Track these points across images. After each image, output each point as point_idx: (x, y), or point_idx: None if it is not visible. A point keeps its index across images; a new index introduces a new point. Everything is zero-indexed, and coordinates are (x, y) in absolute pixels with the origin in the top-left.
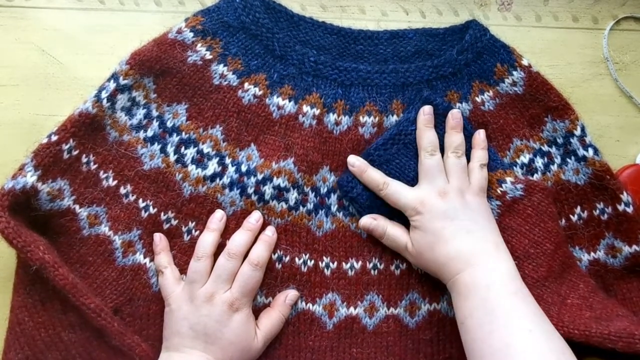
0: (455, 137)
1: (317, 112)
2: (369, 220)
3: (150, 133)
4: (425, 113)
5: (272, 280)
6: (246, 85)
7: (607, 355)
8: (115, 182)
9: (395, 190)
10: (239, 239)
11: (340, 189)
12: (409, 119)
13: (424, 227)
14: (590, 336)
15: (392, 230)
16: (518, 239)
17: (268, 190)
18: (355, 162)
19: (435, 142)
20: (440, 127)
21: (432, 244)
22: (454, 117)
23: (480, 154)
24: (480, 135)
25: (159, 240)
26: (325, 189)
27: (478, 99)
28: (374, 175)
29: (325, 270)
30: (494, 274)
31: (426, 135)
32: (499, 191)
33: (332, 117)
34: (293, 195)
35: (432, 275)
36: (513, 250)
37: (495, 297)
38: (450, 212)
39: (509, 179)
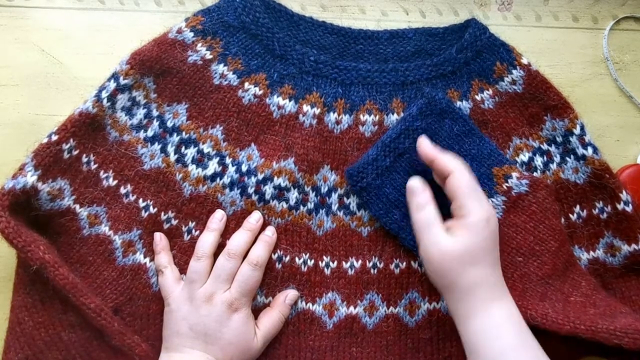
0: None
1: (317, 111)
2: (419, 185)
3: (150, 133)
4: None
5: (272, 280)
6: (246, 85)
7: (608, 353)
8: (116, 181)
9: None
10: (238, 239)
11: (350, 178)
12: (411, 114)
13: (481, 234)
14: (597, 332)
15: (432, 212)
16: (523, 235)
17: (268, 190)
18: (428, 148)
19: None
20: (441, 125)
21: (474, 258)
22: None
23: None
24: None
25: (159, 239)
26: (326, 188)
27: (478, 97)
28: (419, 190)
29: (325, 269)
30: (516, 313)
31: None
32: (504, 186)
33: (333, 116)
34: (293, 195)
35: (439, 287)
36: (518, 247)
37: (525, 338)
38: (495, 239)
39: (514, 174)
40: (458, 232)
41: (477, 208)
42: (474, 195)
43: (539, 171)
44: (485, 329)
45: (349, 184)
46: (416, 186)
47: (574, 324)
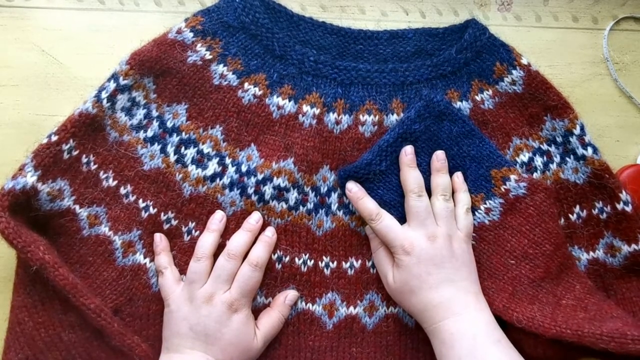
0: (441, 179)
1: (317, 111)
2: (368, 231)
3: (150, 133)
4: (407, 153)
5: (271, 280)
6: (246, 85)
7: (603, 356)
8: (116, 182)
9: (387, 224)
10: (238, 240)
11: (341, 179)
12: (409, 117)
13: (409, 269)
14: (583, 336)
15: (382, 254)
16: (518, 238)
17: (268, 190)
18: (353, 188)
19: (422, 183)
20: (440, 127)
21: (414, 288)
22: (439, 158)
23: (463, 198)
24: (459, 179)
25: (159, 240)
26: (326, 188)
27: (478, 98)
28: (369, 205)
29: (325, 269)
30: (478, 323)
31: (411, 175)
32: (502, 189)
33: (332, 116)
34: (293, 195)
35: (407, 312)
36: (512, 249)
37: (482, 347)
38: (437, 259)
39: (512, 177)
40: (394, 269)
41: (397, 246)
42: (390, 235)
43: (538, 171)
44: (441, 345)
45: (340, 185)
46: (367, 232)
47: (560, 328)
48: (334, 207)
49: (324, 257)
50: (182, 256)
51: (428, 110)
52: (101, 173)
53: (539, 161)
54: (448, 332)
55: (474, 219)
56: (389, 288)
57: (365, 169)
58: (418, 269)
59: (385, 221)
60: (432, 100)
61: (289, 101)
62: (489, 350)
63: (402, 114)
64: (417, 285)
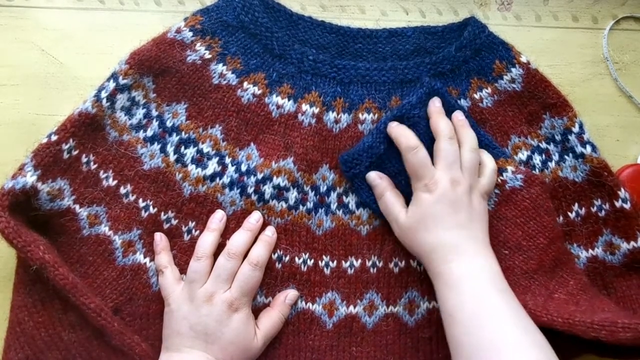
0: (466, 133)
1: (316, 110)
2: (374, 176)
3: (150, 133)
4: (436, 104)
5: (272, 280)
6: (245, 84)
7: (606, 353)
8: (115, 181)
9: (424, 156)
10: (238, 239)
11: (344, 164)
12: (410, 102)
13: (428, 206)
14: (574, 324)
15: (390, 196)
16: (512, 229)
17: (268, 189)
18: (396, 125)
19: (453, 131)
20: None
21: (429, 225)
22: (458, 118)
23: (489, 160)
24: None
25: (160, 239)
26: (325, 188)
27: (476, 96)
28: (412, 137)
29: (325, 269)
30: (485, 270)
31: (443, 121)
32: (498, 179)
33: (332, 115)
34: (293, 195)
35: (412, 253)
36: (505, 240)
37: (486, 292)
38: (455, 204)
39: (510, 168)
40: (411, 205)
41: (421, 181)
42: (422, 169)
43: (537, 169)
44: (445, 286)
45: (342, 170)
46: (372, 177)
47: (552, 317)
48: (334, 206)
49: (323, 257)
50: (182, 256)
51: (429, 97)
52: (101, 172)
53: (537, 159)
54: (454, 275)
55: None
56: (401, 227)
57: (368, 151)
58: (436, 207)
59: (422, 152)
60: (434, 87)
61: (288, 100)
62: (492, 297)
63: (403, 100)
64: (432, 223)
